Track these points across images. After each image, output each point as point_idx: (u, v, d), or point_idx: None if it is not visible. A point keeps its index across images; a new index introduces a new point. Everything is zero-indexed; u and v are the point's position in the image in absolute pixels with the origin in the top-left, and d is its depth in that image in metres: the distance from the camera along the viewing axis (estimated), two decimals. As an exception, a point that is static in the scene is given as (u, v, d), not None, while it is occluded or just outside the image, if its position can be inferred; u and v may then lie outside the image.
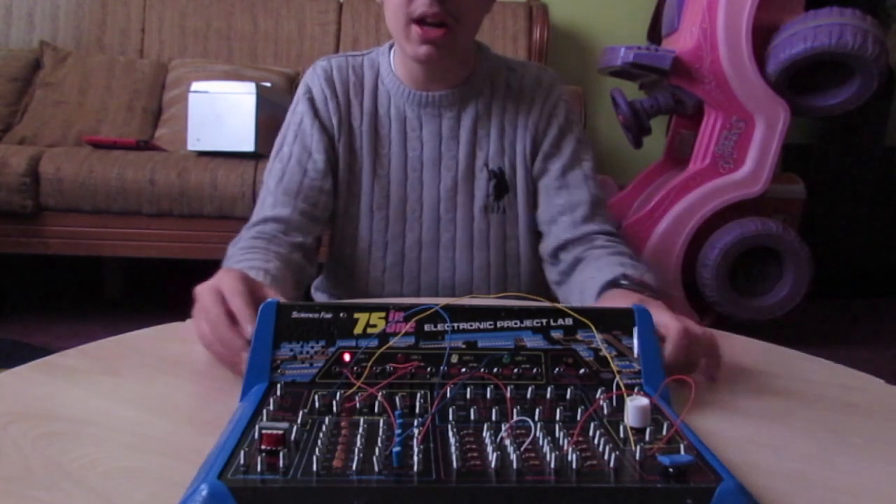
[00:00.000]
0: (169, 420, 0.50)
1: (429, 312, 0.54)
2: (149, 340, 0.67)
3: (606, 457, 0.40)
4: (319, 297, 1.11)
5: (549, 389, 0.51)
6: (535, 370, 0.53)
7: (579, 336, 0.55)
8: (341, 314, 0.54)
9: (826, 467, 0.47)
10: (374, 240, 1.00)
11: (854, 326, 2.63)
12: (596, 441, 0.43)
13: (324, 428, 0.43)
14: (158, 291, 2.61)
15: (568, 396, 0.50)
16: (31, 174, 1.95)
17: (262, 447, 0.39)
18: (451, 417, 0.46)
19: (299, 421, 0.43)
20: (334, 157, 0.98)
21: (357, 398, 0.47)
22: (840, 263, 2.92)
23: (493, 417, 0.46)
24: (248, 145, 1.99)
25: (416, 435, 0.41)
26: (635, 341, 0.56)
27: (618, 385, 0.52)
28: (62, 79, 2.43)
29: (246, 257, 0.83)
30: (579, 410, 0.48)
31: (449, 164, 0.98)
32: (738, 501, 0.37)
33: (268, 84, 2.19)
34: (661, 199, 2.11)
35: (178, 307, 0.88)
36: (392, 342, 0.53)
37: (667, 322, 0.60)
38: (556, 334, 0.55)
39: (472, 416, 0.46)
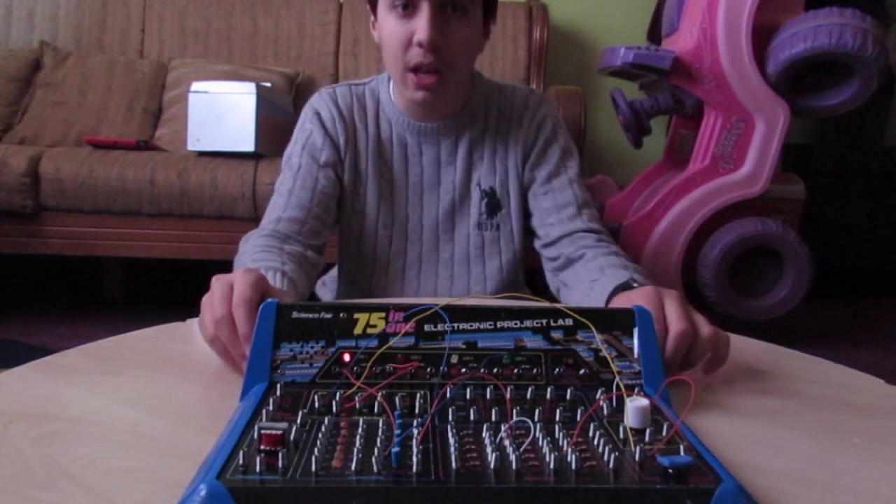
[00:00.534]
0: (169, 420, 0.50)
1: (429, 312, 0.54)
2: (149, 340, 0.67)
3: (606, 457, 0.40)
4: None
5: (548, 390, 0.51)
6: (534, 370, 0.53)
7: (579, 336, 0.55)
8: (341, 314, 0.54)
9: (826, 467, 0.47)
10: (377, 257, 1.05)
11: (854, 326, 2.63)
12: (595, 442, 0.43)
13: (323, 428, 0.43)
14: (158, 291, 2.61)
15: (568, 397, 0.50)
16: (31, 174, 1.95)
17: (262, 447, 0.39)
18: (450, 418, 0.46)
19: (299, 421, 0.43)
20: (340, 172, 1.02)
21: (357, 398, 0.47)
22: (840, 263, 2.92)
23: (493, 418, 0.46)
24: (248, 145, 1.99)
25: (415, 435, 0.41)
26: (635, 342, 0.56)
27: (618, 386, 0.52)
28: (62, 79, 2.43)
29: (261, 256, 0.84)
30: (579, 411, 0.48)
31: (447, 188, 1.04)
32: (737, 502, 0.37)
33: (268, 84, 2.19)
34: (661, 199, 2.11)
35: (178, 307, 0.88)
36: (392, 342, 0.53)
37: (673, 319, 0.61)
38: (556, 335, 0.55)
39: (472, 417, 0.46)
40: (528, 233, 1.06)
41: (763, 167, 2.05)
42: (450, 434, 0.42)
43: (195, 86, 1.99)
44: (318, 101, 1.03)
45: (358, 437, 0.41)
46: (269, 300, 0.55)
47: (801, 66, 1.94)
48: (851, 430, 0.54)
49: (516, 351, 0.54)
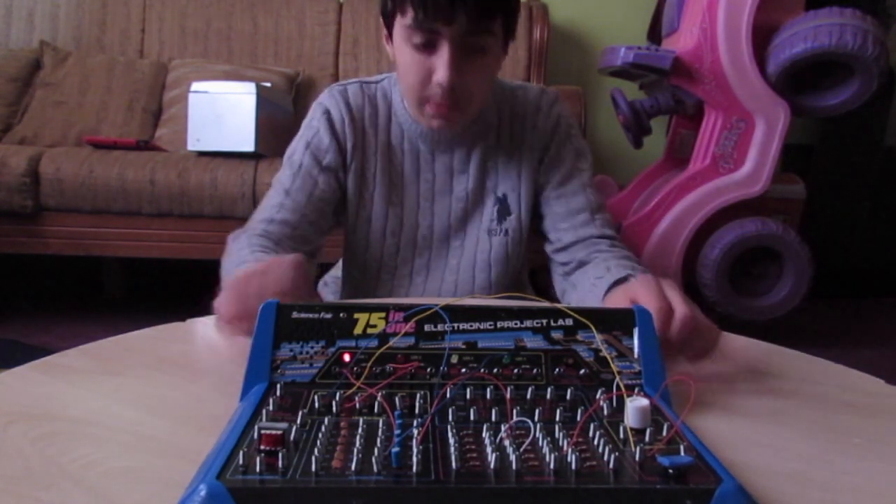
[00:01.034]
0: (169, 420, 0.50)
1: (429, 313, 0.54)
2: (149, 340, 0.67)
3: (606, 458, 0.40)
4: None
5: (549, 390, 0.51)
6: (535, 371, 0.53)
7: (579, 336, 0.55)
8: (341, 314, 0.54)
9: (826, 467, 0.47)
10: (384, 263, 1.02)
11: (854, 326, 2.63)
12: (596, 442, 0.43)
13: (323, 428, 0.43)
14: (158, 291, 2.61)
15: (568, 397, 0.50)
16: (31, 174, 1.95)
17: (261, 447, 0.39)
18: (450, 418, 0.46)
19: (298, 421, 0.43)
20: (343, 177, 0.99)
21: (357, 398, 0.47)
22: (840, 263, 2.92)
23: (493, 418, 0.46)
24: (248, 145, 1.99)
25: (415, 435, 0.41)
26: (636, 342, 0.56)
27: (618, 386, 0.52)
28: (62, 79, 2.43)
29: (261, 256, 0.81)
30: (579, 411, 0.48)
31: (460, 195, 1.01)
32: (737, 502, 0.37)
33: (268, 84, 2.19)
34: (662, 199, 2.11)
35: (178, 307, 0.88)
36: (392, 342, 0.53)
37: (678, 304, 0.62)
38: (557, 335, 0.55)
39: (472, 417, 0.46)
40: (538, 235, 1.04)
41: (763, 167, 2.05)
42: (450, 434, 0.42)
43: (195, 86, 1.99)
44: (329, 99, 0.99)
45: (358, 438, 0.41)
46: (269, 301, 0.55)
47: (801, 66, 1.94)
48: (851, 430, 0.54)
49: (516, 351, 0.54)
